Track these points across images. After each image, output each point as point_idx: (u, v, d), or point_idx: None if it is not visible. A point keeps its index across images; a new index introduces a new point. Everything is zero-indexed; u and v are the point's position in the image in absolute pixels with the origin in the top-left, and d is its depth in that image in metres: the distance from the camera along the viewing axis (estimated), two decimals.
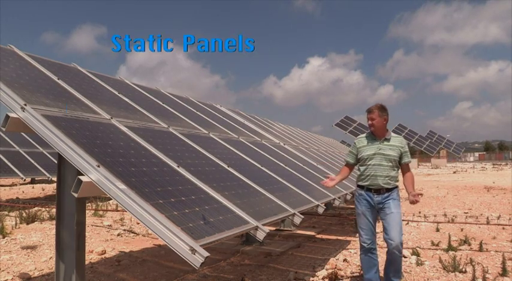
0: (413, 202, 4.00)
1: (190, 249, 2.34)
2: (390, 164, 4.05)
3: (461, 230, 7.32)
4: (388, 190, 4.06)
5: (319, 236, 7.18)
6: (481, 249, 5.81)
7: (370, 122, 4.09)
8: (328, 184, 4.27)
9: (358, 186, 4.20)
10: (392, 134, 4.20)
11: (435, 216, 8.40)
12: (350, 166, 4.38)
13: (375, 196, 4.05)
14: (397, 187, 4.11)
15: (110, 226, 7.99)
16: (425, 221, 8.06)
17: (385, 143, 4.10)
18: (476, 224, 7.52)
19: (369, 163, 4.10)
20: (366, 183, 4.11)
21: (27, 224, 7.94)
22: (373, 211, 4.09)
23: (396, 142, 4.13)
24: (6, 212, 9.09)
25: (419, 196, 4.05)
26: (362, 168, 4.16)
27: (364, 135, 4.28)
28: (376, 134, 4.14)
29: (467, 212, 9.50)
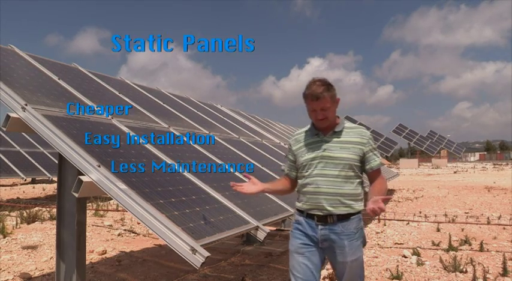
0: (373, 211, 2.34)
1: (190, 249, 2.34)
2: (343, 172, 2.53)
3: (462, 230, 7.32)
4: (342, 217, 2.53)
5: None
6: (481, 249, 5.80)
7: (320, 116, 2.54)
8: (244, 189, 2.73)
9: (297, 210, 2.71)
10: (347, 123, 2.70)
11: (436, 216, 8.39)
12: (290, 179, 2.83)
13: (319, 227, 2.55)
14: (358, 212, 2.58)
15: (111, 226, 7.99)
16: (425, 221, 8.05)
17: (334, 139, 2.60)
18: (476, 224, 7.51)
19: (307, 173, 2.60)
20: (306, 206, 2.61)
21: (28, 224, 7.95)
22: (316, 251, 2.59)
23: (353, 136, 2.60)
24: (7, 212, 9.10)
25: (383, 203, 2.35)
26: (299, 181, 2.69)
27: (303, 130, 2.78)
28: (324, 127, 2.63)
29: (467, 212, 9.49)
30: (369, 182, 2.67)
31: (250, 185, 2.77)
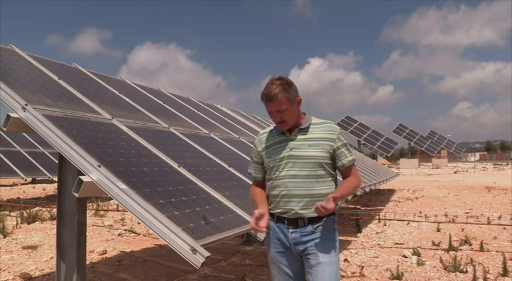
0: (317, 209, 2.14)
1: (191, 249, 2.34)
2: (313, 171, 2.38)
3: (462, 230, 7.32)
4: (314, 220, 2.38)
5: None
6: (481, 249, 5.80)
7: (277, 118, 2.38)
8: (261, 227, 2.32)
9: (269, 214, 2.48)
10: (315, 119, 2.52)
11: (436, 216, 8.39)
12: (259, 181, 2.62)
13: (290, 230, 2.40)
14: (333, 214, 2.45)
15: (111, 226, 7.99)
16: (426, 221, 8.05)
17: (301, 136, 2.43)
18: (477, 224, 7.51)
19: (275, 175, 2.44)
20: (275, 209, 2.46)
21: (28, 224, 7.95)
22: (291, 257, 2.46)
23: (321, 132, 2.44)
24: (7, 212, 9.10)
25: (334, 203, 2.16)
26: (268, 184, 2.53)
27: (267, 129, 2.62)
28: (291, 126, 2.47)
29: (468, 212, 9.49)
30: (342, 179, 2.50)
31: (262, 222, 2.35)
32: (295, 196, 2.38)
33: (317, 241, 2.37)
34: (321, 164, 2.40)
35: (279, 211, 2.44)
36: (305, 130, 2.45)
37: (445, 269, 4.85)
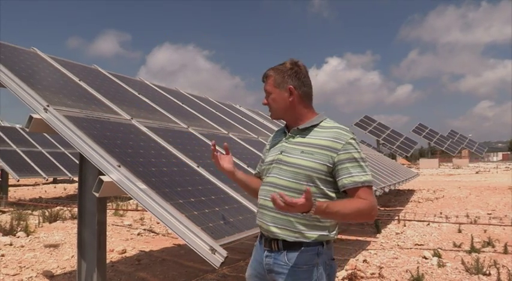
0: (273, 199, 1.61)
1: (210, 249, 2.34)
2: (296, 183, 1.91)
3: (485, 231, 7.18)
4: (289, 247, 1.91)
5: (338, 236, 7.12)
6: (505, 251, 5.68)
7: (264, 100, 2.11)
8: (220, 159, 2.32)
9: None
10: (327, 121, 2.02)
11: (457, 217, 8.25)
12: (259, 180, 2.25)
13: (265, 253, 2.00)
14: (315, 244, 1.90)
15: (130, 225, 8.07)
16: (446, 222, 7.92)
17: (298, 139, 2.00)
18: (500, 225, 7.35)
19: (263, 180, 2.12)
20: (257, 222, 2.09)
21: (50, 223, 8.09)
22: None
23: (323, 138, 1.93)
24: (29, 211, 9.27)
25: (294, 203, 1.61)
26: None
27: (281, 127, 2.24)
28: (287, 122, 2.11)
29: (490, 213, 9.31)
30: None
31: (225, 160, 2.33)
32: (269, 209, 1.95)
33: (289, 275, 1.90)
34: (311, 177, 1.89)
35: (257, 224, 2.07)
36: (305, 132, 2.00)
37: (467, 271, 4.77)
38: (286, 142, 2.04)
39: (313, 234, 1.90)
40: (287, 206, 1.61)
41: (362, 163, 1.90)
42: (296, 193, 1.87)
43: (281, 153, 2.01)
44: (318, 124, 2.00)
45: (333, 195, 1.91)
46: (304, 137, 1.98)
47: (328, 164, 1.88)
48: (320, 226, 1.91)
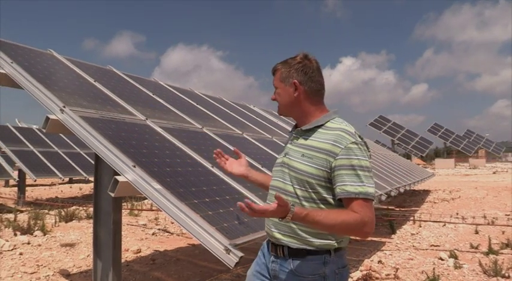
0: (240, 205, 1.60)
1: (225, 249, 2.34)
2: (298, 190, 1.81)
3: (503, 233, 7.06)
4: (295, 254, 1.83)
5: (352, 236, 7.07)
6: None
7: (272, 95, 2.01)
8: (226, 165, 2.42)
9: None
10: (335, 121, 1.86)
11: (474, 218, 8.14)
12: None
13: (271, 258, 1.93)
14: (322, 252, 1.80)
15: (145, 225, 8.13)
16: (463, 223, 7.82)
17: (301, 140, 1.89)
18: None
19: (270, 183, 2.03)
20: (265, 223, 2.01)
21: (66, 222, 8.18)
22: None
23: (324, 140, 1.79)
24: (46, 211, 9.39)
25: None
26: None
27: None
28: (295, 120, 2.00)
29: (508, 215, 9.15)
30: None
31: (236, 164, 2.36)
32: None
33: None
34: (312, 184, 1.77)
35: (265, 227, 1.99)
36: (308, 133, 1.87)
37: (485, 273, 4.69)
38: (290, 144, 1.96)
39: (317, 241, 1.79)
40: (257, 213, 1.59)
41: (360, 172, 1.71)
42: (296, 198, 1.81)
43: (285, 155, 1.94)
44: (323, 124, 1.85)
45: (336, 203, 1.77)
46: (307, 139, 1.86)
47: (327, 170, 1.75)
48: (324, 233, 1.78)
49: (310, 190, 1.78)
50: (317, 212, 1.69)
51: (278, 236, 1.86)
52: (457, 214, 8.96)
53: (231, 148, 4.39)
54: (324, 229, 1.72)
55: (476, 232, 7.12)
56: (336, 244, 1.81)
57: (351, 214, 1.67)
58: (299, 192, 1.81)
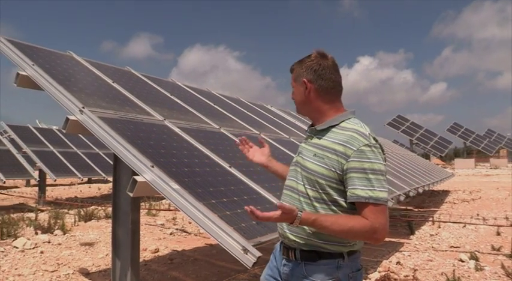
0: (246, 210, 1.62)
1: (242, 249, 2.34)
2: (312, 190, 1.77)
3: None
4: (307, 257, 1.78)
5: None
6: None
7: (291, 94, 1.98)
8: (249, 152, 2.32)
9: None
10: (351, 121, 1.81)
11: (495, 219, 7.98)
12: None
13: (283, 261, 1.90)
14: (340, 255, 1.76)
15: (163, 225, 8.18)
16: (484, 224, 7.67)
17: (314, 140, 1.86)
18: None
19: (285, 182, 1.99)
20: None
21: (85, 222, 8.29)
22: None
23: (337, 141, 1.74)
24: (66, 210, 9.53)
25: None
26: None
27: None
28: (311, 119, 1.95)
29: None
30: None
31: (258, 152, 2.29)
32: None
33: None
34: (322, 185, 1.73)
35: (278, 227, 1.96)
36: (322, 133, 1.83)
37: (507, 276, 4.59)
38: (305, 143, 1.93)
39: (333, 247, 1.75)
40: (262, 219, 1.61)
41: (372, 176, 1.65)
42: (308, 198, 1.78)
43: (299, 154, 1.92)
44: (337, 124, 1.81)
45: (348, 206, 1.73)
46: (320, 139, 1.82)
47: (338, 171, 1.70)
48: (340, 239, 1.74)
49: (320, 191, 1.74)
50: (326, 217, 1.66)
51: (292, 237, 1.83)
52: (478, 214, 8.81)
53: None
54: (333, 234, 1.69)
55: (498, 234, 6.98)
56: (351, 246, 1.78)
57: (361, 220, 1.64)
58: (310, 192, 1.78)
